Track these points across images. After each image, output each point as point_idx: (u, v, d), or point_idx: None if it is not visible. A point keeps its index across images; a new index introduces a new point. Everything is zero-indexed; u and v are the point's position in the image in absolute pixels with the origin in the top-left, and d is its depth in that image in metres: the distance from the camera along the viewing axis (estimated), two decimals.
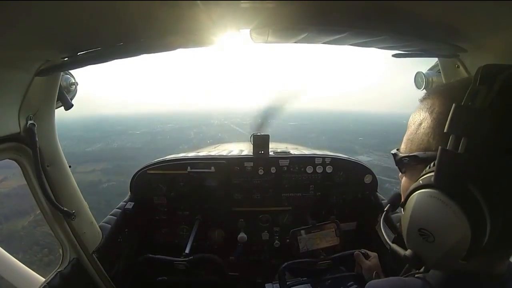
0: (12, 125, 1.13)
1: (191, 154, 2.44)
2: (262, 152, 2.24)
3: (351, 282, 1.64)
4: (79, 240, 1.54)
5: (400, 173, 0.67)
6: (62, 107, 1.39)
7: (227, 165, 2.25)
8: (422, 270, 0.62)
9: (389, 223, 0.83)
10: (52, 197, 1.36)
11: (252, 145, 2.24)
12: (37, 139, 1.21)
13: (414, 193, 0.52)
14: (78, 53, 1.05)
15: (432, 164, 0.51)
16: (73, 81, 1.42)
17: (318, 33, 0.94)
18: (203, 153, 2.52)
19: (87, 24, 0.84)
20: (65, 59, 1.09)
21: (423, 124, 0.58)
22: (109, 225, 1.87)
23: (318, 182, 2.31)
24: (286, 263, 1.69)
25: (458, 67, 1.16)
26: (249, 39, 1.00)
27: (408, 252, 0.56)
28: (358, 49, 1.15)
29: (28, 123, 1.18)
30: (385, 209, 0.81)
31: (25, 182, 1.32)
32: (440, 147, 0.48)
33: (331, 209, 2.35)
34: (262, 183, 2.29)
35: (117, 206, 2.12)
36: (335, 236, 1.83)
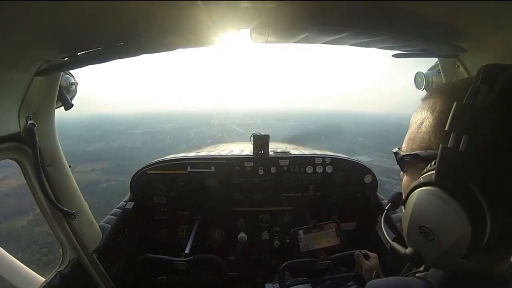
0: (12, 125, 1.13)
1: (191, 154, 2.44)
2: (262, 152, 2.24)
3: (351, 282, 1.64)
4: (79, 240, 1.54)
5: (401, 172, 0.67)
6: (62, 107, 1.39)
7: (227, 165, 2.25)
8: (422, 268, 0.62)
9: (389, 222, 0.83)
10: (52, 197, 1.36)
11: (252, 145, 2.25)
12: (37, 139, 1.21)
13: (415, 191, 0.53)
14: (78, 53, 1.06)
15: (433, 162, 0.51)
16: (73, 81, 1.42)
17: (318, 33, 0.94)
18: (203, 153, 2.52)
19: (87, 24, 0.84)
20: (65, 59, 1.09)
21: (424, 123, 0.58)
22: (109, 225, 1.87)
23: (318, 182, 2.31)
24: (286, 263, 1.70)
25: (458, 67, 1.16)
26: (249, 39, 1.00)
27: (408, 250, 0.56)
28: (358, 49, 1.15)
29: (28, 123, 1.18)
30: (386, 208, 0.81)
31: (25, 182, 1.32)
32: (441, 145, 0.48)
33: (331, 209, 2.35)
34: (262, 183, 2.29)
35: (117, 206, 2.12)
36: (336, 236, 1.83)
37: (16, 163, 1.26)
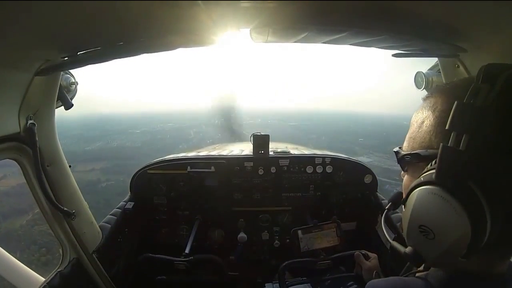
0: (12, 125, 1.13)
1: (191, 154, 2.44)
2: (262, 152, 2.24)
3: (351, 282, 1.64)
4: (79, 240, 1.54)
5: (402, 172, 0.68)
6: (62, 107, 1.39)
7: (227, 165, 2.25)
8: (422, 268, 0.62)
9: (390, 222, 0.83)
10: (52, 197, 1.36)
11: (252, 145, 2.25)
12: (37, 138, 1.21)
13: (415, 190, 0.53)
14: (78, 53, 1.05)
15: (433, 161, 0.51)
16: (73, 80, 1.42)
17: (318, 32, 0.94)
18: (203, 152, 2.52)
19: (87, 24, 0.84)
20: (65, 58, 1.09)
21: (425, 122, 0.59)
22: (109, 225, 1.87)
23: (318, 182, 2.31)
24: (286, 263, 1.70)
25: (458, 67, 1.16)
26: (249, 38, 1.00)
27: (409, 249, 0.56)
28: (358, 49, 1.15)
29: (28, 123, 1.18)
30: (386, 208, 0.81)
31: (25, 181, 1.32)
32: (441, 144, 0.48)
33: (331, 209, 2.35)
34: (262, 183, 2.29)
35: (117, 206, 2.11)
36: (336, 236, 1.83)
37: (15, 162, 1.26)
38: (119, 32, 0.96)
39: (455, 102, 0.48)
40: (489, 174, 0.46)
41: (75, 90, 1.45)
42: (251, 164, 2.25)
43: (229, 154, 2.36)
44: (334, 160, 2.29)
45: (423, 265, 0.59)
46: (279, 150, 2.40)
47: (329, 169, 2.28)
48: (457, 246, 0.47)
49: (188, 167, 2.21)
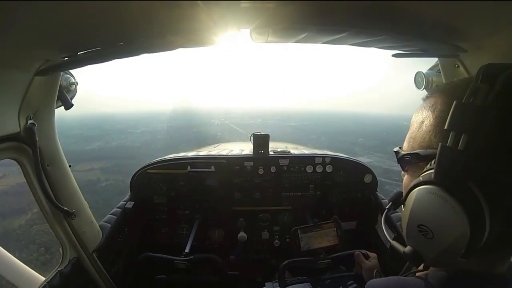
0: (12, 125, 1.13)
1: (191, 154, 2.44)
2: (262, 151, 2.24)
3: (351, 282, 1.64)
4: (79, 239, 1.54)
5: (402, 172, 0.68)
6: (62, 107, 1.39)
7: (227, 165, 2.25)
8: (421, 268, 0.62)
9: (389, 222, 0.83)
10: (52, 196, 1.36)
11: (252, 145, 2.25)
12: (37, 138, 1.21)
13: (414, 190, 0.53)
14: (78, 53, 1.05)
15: (433, 161, 0.51)
16: (73, 80, 1.42)
17: (318, 33, 0.94)
18: (203, 152, 2.53)
19: (87, 24, 0.83)
20: (65, 58, 1.08)
21: (425, 122, 0.59)
22: (109, 225, 1.87)
23: (318, 181, 2.31)
24: (286, 262, 1.70)
25: (458, 67, 1.16)
26: (249, 38, 1.00)
27: (408, 248, 0.56)
28: (358, 50, 1.15)
29: (28, 123, 1.18)
30: (387, 207, 0.81)
31: (24, 180, 1.32)
32: (440, 143, 0.48)
33: (331, 208, 2.35)
34: (262, 182, 2.29)
35: (117, 206, 2.12)
36: (336, 235, 1.83)
37: (14, 162, 1.26)
38: (119, 32, 0.96)
39: (454, 102, 0.48)
40: (488, 173, 0.46)
41: (75, 90, 1.45)
42: (251, 163, 2.25)
43: (229, 154, 2.36)
44: (334, 160, 2.29)
45: (423, 264, 0.59)
46: (279, 149, 2.40)
47: (329, 168, 2.28)
48: (456, 246, 0.48)
49: (188, 167, 2.21)
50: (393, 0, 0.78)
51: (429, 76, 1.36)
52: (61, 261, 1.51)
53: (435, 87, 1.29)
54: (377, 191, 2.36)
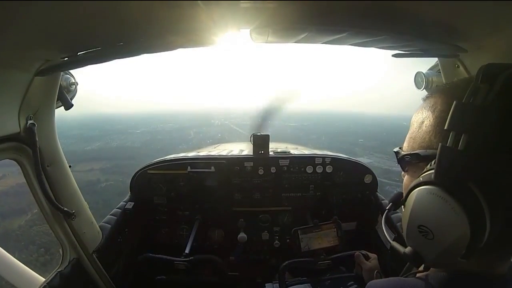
0: (12, 125, 1.13)
1: (191, 154, 2.44)
2: (262, 152, 2.24)
3: (351, 282, 1.64)
4: (79, 240, 1.54)
5: (402, 172, 0.68)
6: (62, 107, 1.39)
7: (227, 165, 2.25)
8: (422, 268, 0.62)
9: (390, 222, 0.83)
10: (52, 197, 1.36)
11: (252, 145, 2.25)
12: (37, 139, 1.21)
13: (414, 190, 0.53)
14: (78, 53, 1.05)
15: (433, 161, 0.51)
16: (73, 81, 1.42)
17: (318, 33, 0.94)
18: (203, 153, 2.52)
19: (87, 24, 0.84)
20: (65, 59, 1.09)
21: (425, 122, 0.59)
22: (109, 225, 1.87)
23: (318, 182, 2.31)
24: (286, 262, 1.70)
25: (458, 67, 1.15)
26: (249, 39, 1.00)
27: (408, 249, 0.56)
28: (358, 50, 1.15)
29: (28, 123, 1.18)
30: (387, 208, 0.81)
31: (24, 181, 1.32)
32: (440, 144, 0.48)
33: (331, 209, 2.35)
34: (262, 183, 2.29)
35: (117, 206, 2.12)
36: (336, 236, 1.83)
37: (14, 162, 1.26)
38: (119, 32, 0.96)
39: (454, 102, 0.48)
40: (488, 173, 0.46)
41: (75, 90, 1.45)
42: (251, 164, 2.25)
43: (229, 154, 2.36)
44: (334, 160, 2.29)
45: (423, 265, 0.59)
46: (279, 150, 2.40)
47: (329, 169, 2.28)
48: (456, 247, 0.47)
49: (188, 167, 2.21)
50: (393, 0, 0.78)
51: (429, 76, 1.36)
52: (61, 262, 1.50)
53: (435, 87, 1.29)
54: (377, 191, 2.36)
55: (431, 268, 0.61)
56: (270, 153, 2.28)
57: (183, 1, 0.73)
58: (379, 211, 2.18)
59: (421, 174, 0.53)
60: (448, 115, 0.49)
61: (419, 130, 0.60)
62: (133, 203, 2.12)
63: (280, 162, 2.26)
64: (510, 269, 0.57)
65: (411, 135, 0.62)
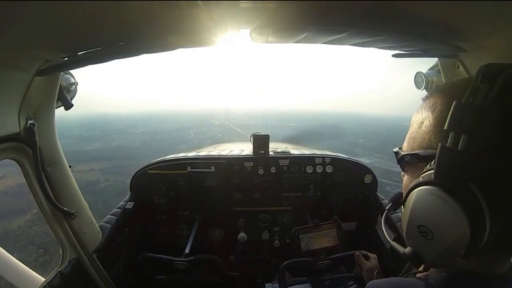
0: (12, 125, 1.13)
1: (191, 154, 2.44)
2: (262, 152, 2.24)
3: (351, 282, 1.64)
4: (79, 240, 1.54)
5: (402, 172, 0.68)
6: (62, 107, 1.39)
7: (227, 165, 2.25)
8: (422, 269, 0.62)
9: (390, 222, 0.83)
10: (52, 197, 1.36)
11: (252, 145, 2.25)
12: (37, 139, 1.21)
13: (414, 190, 0.53)
14: (78, 53, 1.05)
15: (433, 162, 0.51)
16: (73, 81, 1.42)
17: (318, 33, 0.94)
18: (203, 153, 2.52)
19: (87, 24, 0.83)
20: (65, 59, 1.08)
21: (425, 123, 0.59)
22: (109, 225, 1.87)
23: (318, 182, 2.31)
24: (286, 262, 1.70)
25: (458, 67, 1.16)
26: (249, 39, 1.00)
27: (408, 249, 0.56)
28: (358, 49, 1.15)
29: (28, 123, 1.18)
30: (387, 208, 0.81)
31: (24, 181, 1.32)
32: (440, 144, 0.48)
33: (331, 209, 2.35)
34: (262, 183, 2.29)
35: (117, 206, 2.12)
36: (337, 236, 1.83)
37: (14, 162, 1.26)
38: (119, 32, 0.96)
39: (454, 102, 0.48)
40: (488, 173, 0.46)
41: (75, 90, 1.45)
42: (251, 164, 2.25)
43: (229, 154, 2.36)
44: (334, 160, 2.29)
45: (423, 265, 0.59)
46: (279, 150, 2.40)
47: (329, 169, 2.28)
48: (456, 247, 0.47)
49: (188, 167, 2.21)
50: (393, 0, 0.78)
51: (429, 76, 1.36)
52: (61, 262, 1.50)
53: (435, 87, 1.29)
54: (377, 191, 2.36)
55: (431, 268, 0.61)
56: (270, 153, 2.28)
57: (183, 1, 0.73)
58: (379, 211, 2.18)
59: (421, 174, 0.53)
60: (448, 115, 0.49)
61: (419, 130, 0.60)
62: (133, 203, 2.12)
63: (280, 162, 2.26)
64: (510, 269, 0.57)
65: (411, 135, 0.62)
